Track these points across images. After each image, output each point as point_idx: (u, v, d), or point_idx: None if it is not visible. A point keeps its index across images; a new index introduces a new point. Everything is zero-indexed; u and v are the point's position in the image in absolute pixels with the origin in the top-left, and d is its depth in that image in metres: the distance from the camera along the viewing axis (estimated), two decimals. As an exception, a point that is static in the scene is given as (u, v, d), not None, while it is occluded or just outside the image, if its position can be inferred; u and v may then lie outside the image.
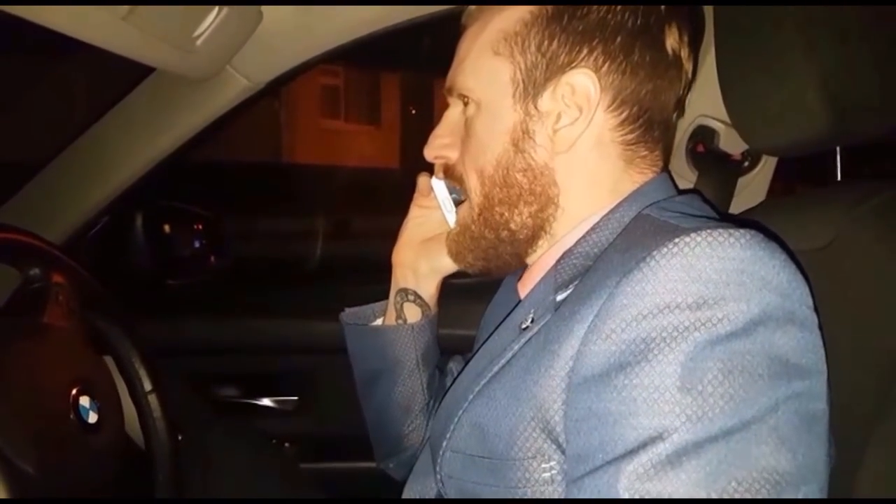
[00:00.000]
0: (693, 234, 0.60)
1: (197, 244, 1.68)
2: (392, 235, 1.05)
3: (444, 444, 0.76)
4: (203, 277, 1.66)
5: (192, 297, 1.64)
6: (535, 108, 0.77)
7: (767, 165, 1.28)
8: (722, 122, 1.24)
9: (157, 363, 1.05)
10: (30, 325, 0.88)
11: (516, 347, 0.73)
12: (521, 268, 0.89)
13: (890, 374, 0.69)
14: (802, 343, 0.59)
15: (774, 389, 0.56)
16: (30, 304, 0.90)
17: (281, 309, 1.54)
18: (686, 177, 1.30)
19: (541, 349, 0.68)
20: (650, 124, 0.78)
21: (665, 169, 0.83)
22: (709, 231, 0.60)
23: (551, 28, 0.75)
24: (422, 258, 1.00)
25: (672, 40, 0.78)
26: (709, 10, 1.22)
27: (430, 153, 0.88)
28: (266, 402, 1.55)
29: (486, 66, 0.79)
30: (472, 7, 0.83)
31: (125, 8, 0.84)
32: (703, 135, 1.27)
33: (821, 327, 0.63)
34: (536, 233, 0.80)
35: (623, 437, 0.56)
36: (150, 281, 1.54)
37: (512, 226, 0.80)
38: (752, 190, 1.27)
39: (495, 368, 0.74)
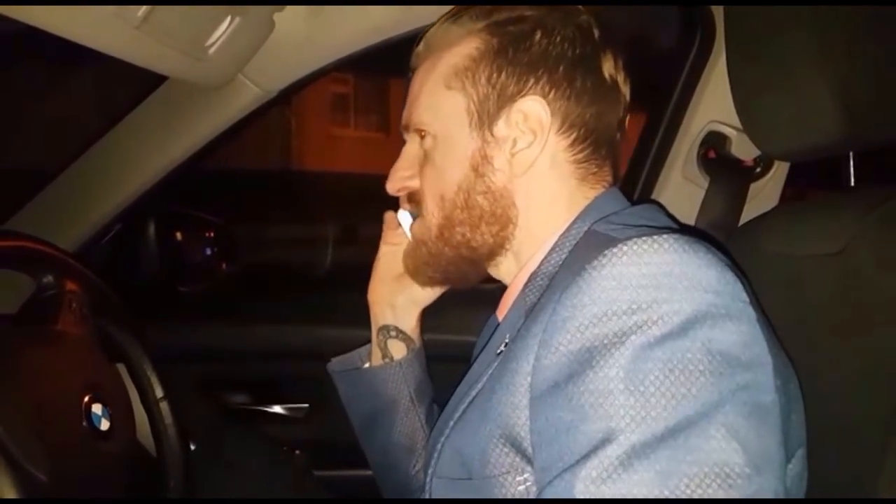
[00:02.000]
0: (620, 245, 0.63)
1: (208, 251, 1.69)
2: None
3: (430, 472, 0.79)
4: (214, 284, 1.66)
5: (203, 303, 1.65)
6: (492, 134, 0.82)
7: (780, 171, 1.27)
8: (734, 127, 1.24)
9: (168, 370, 1.06)
10: (43, 333, 0.89)
11: (490, 372, 0.76)
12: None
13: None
14: (741, 337, 0.60)
15: (718, 384, 0.57)
16: (43, 312, 0.91)
17: (291, 315, 1.53)
18: (698, 183, 1.29)
19: (504, 369, 0.71)
20: (597, 144, 0.83)
21: (615, 183, 0.87)
22: (634, 240, 0.63)
23: (498, 62, 0.81)
24: (397, 292, 1.03)
25: (608, 66, 0.83)
26: (718, 14, 1.22)
27: (392, 186, 0.92)
28: (277, 409, 1.54)
29: (440, 100, 0.84)
30: (420, 48, 0.89)
31: (138, 17, 0.84)
32: (714, 141, 1.27)
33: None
34: (496, 249, 0.85)
35: (576, 444, 0.58)
36: (162, 288, 1.55)
37: (473, 244, 0.85)
38: (764, 196, 1.27)
39: (472, 394, 0.77)
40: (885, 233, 0.77)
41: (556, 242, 0.80)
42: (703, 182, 1.27)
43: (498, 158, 0.82)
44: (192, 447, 1.06)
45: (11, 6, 0.76)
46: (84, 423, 0.85)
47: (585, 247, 0.75)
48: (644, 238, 0.63)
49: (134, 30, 0.86)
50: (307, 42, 1.17)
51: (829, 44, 0.82)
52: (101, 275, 1.00)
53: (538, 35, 0.81)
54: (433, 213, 0.86)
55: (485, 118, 0.82)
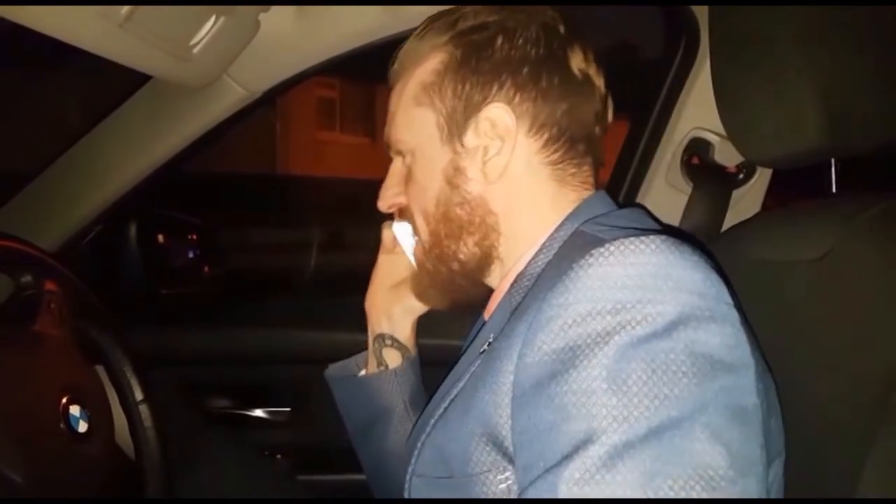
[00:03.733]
0: (607, 245, 0.63)
1: (191, 254, 1.68)
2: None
3: (410, 469, 0.79)
4: (197, 287, 1.65)
5: (185, 306, 1.63)
6: (462, 145, 0.82)
7: (762, 178, 1.28)
8: (717, 134, 1.25)
9: (148, 372, 1.04)
10: (21, 333, 0.87)
11: (472, 370, 0.76)
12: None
13: (887, 384, 0.69)
14: (725, 339, 0.60)
15: (701, 386, 0.57)
16: (21, 312, 0.90)
17: (274, 319, 1.53)
18: (681, 189, 1.30)
19: (486, 367, 0.71)
20: (573, 141, 0.82)
21: (598, 185, 0.87)
22: (621, 240, 0.63)
23: (462, 72, 0.81)
24: (393, 302, 1.04)
25: (577, 61, 0.83)
26: (703, 21, 1.23)
27: (383, 204, 0.93)
28: (259, 412, 1.53)
29: (412, 117, 0.85)
30: (395, 66, 0.89)
31: (122, 15, 0.84)
32: (698, 147, 1.28)
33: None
34: (484, 260, 0.85)
35: (559, 444, 0.58)
36: (143, 290, 1.53)
37: (461, 256, 0.85)
38: (746, 202, 1.28)
39: (454, 392, 0.77)
40: (867, 239, 0.78)
41: (543, 244, 0.80)
42: (687, 188, 1.28)
43: (471, 168, 0.82)
44: (172, 451, 1.04)
45: (-6, 3, 0.76)
46: (62, 425, 0.84)
47: (571, 246, 0.75)
48: (631, 239, 0.63)
49: (117, 28, 0.86)
50: (293, 43, 1.16)
51: (813, 51, 0.82)
52: (82, 276, 0.99)
53: (499, 40, 0.81)
54: (422, 231, 0.87)
55: (454, 130, 0.82)
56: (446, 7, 0.87)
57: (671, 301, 0.60)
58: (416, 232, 0.90)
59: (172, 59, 1.00)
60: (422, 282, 0.92)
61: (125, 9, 0.83)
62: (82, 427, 0.86)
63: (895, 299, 0.72)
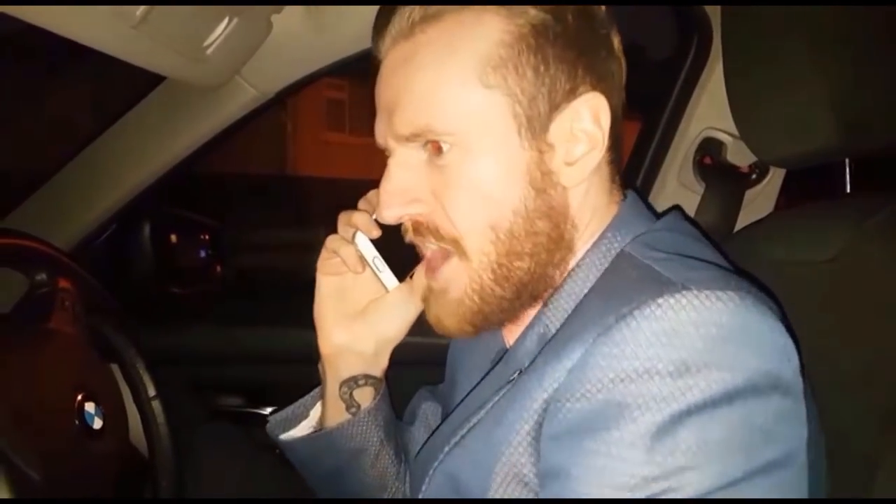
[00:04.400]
0: (678, 295, 0.55)
1: (203, 254, 1.68)
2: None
3: (420, 496, 0.74)
4: (208, 287, 1.66)
5: (196, 306, 1.64)
6: (546, 142, 0.67)
7: (775, 178, 1.28)
8: (730, 133, 1.24)
9: (160, 370, 1.05)
10: (36, 330, 0.88)
11: (496, 399, 0.69)
12: None
13: (898, 386, 0.68)
14: (784, 411, 0.56)
15: (748, 461, 0.53)
16: (36, 310, 0.90)
17: (283, 319, 1.53)
18: (694, 189, 1.30)
19: (512, 401, 0.65)
20: (619, 138, 0.72)
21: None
22: (696, 293, 0.55)
23: (542, 51, 0.65)
24: (363, 337, 0.85)
25: (617, 43, 0.72)
26: (715, 20, 1.22)
27: (390, 215, 0.72)
28: (268, 411, 1.54)
29: (469, 99, 0.66)
30: (403, 25, 0.68)
31: (137, 16, 0.84)
32: (710, 147, 1.27)
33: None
34: (545, 279, 0.71)
35: (582, 495, 0.54)
36: (155, 289, 1.54)
37: (535, 276, 0.70)
38: (759, 202, 1.27)
39: (473, 420, 0.70)
40: (881, 240, 0.77)
41: (582, 258, 0.70)
42: (699, 188, 1.27)
43: (556, 172, 0.67)
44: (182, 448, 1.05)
45: (11, 5, 0.76)
46: (77, 422, 0.84)
47: (622, 277, 0.65)
48: (707, 293, 0.55)
49: (132, 29, 0.86)
50: (305, 44, 1.17)
51: (826, 50, 0.82)
52: (95, 275, 1.00)
53: (570, 16, 0.66)
54: (484, 251, 0.68)
55: (536, 123, 0.66)
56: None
57: (739, 367, 0.54)
58: (463, 253, 0.69)
59: (186, 59, 1.01)
60: (464, 312, 0.71)
61: (140, 9, 0.84)
62: (97, 424, 0.87)
63: (909, 300, 0.71)
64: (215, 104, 1.22)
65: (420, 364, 1.05)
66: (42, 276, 0.92)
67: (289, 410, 0.94)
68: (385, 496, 0.92)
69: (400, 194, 0.71)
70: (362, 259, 0.82)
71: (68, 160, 1.28)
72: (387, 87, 0.70)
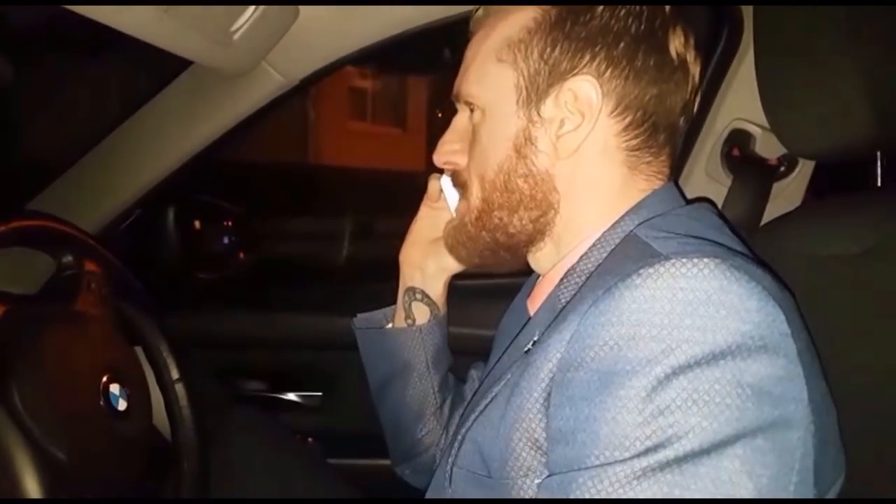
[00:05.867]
0: (657, 265, 0.59)
1: (226, 240, 1.70)
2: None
3: (451, 460, 0.77)
4: (231, 272, 1.67)
5: (220, 291, 1.65)
6: (538, 114, 0.77)
7: (804, 171, 1.26)
8: (758, 125, 1.23)
9: (184, 353, 1.06)
10: (62, 312, 0.89)
11: (513, 369, 0.73)
12: (535, 277, 0.90)
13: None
14: (776, 370, 0.57)
15: (742, 419, 0.54)
16: (63, 291, 0.91)
17: (306, 305, 1.54)
18: (721, 181, 1.28)
19: (523, 372, 0.69)
20: (655, 129, 0.77)
21: (672, 176, 0.82)
22: (672, 260, 0.59)
23: (554, 34, 0.75)
24: (429, 257, 1.02)
25: (677, 44, 0.77)
26: (747, 11, 1.21)
27: (439, 159, 0.88)
28: (291, 396, 1.55)
29: (490, 72, 0.79)
30: (479, 13, 0.84)
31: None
32: (738, 138, 1.26)
33: (814, 347, 0.62)
34: (535, 236, 0.81)
35: (588, 459, 0.57)
36: (179, 274, 1.55)
37: (510, 229, 0.81)
38: (787, 195, 1.26)
39: (496, 390, 0.74)
40: (912, 235, 0.76)
41: (599, 239, 0.76)
42: (727, 180, 1.26)
43: (542, 140, 0.77)
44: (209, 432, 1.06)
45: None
46: (102, 403, 0.85)
47: (623, 253, 0.71)
48: (683, 260, 0.59)
49: (160, 12, 0.86)
50: (331, 31, 1.17)
51: (860, 41, 0.80)
52: (119, 259, 1.01)
53: (601, 7, 0.75)
54: (475, 196, 0.82)
55: (533, 96, 0.76)
56: None
57: (721, 329, 0.56)
58: (466, 194, 0.85)
59: (213, 44, 1.01)
60: (457, 238, 0.87)
61: (168, -8, 0.84)
62: (122, 405, 0.87)
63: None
64: (241, 90, 1.22)
65: (475, 355, 1.10)
66: (69, 258, 0.93)
67: (376, 312, 1.09)
68: (418, 424, 1.04)
69: (447, 144, 0.87)
70: (442, 195, 0.98)
71: (94, 145, 1.30)
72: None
